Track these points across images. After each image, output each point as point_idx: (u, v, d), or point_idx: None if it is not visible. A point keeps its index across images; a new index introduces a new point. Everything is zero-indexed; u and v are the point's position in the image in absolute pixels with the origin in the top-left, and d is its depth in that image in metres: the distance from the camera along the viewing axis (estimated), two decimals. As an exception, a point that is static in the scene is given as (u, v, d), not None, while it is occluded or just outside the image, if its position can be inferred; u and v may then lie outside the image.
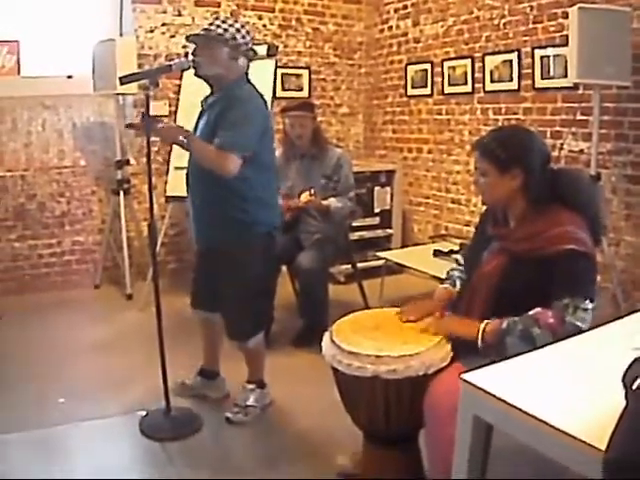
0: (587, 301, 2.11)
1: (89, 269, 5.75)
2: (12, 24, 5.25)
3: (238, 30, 3.02)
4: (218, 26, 3.00)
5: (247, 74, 3.16)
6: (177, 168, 4.75)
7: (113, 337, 4.49)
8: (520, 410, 1.51)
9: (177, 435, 3.13)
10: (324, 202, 4.30)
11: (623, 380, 1.29)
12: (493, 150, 2.30)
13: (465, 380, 1.67)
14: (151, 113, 3.02)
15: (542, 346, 1.92)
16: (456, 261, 2.81)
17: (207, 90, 3.18)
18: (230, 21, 3.05)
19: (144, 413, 3.30)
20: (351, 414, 2.47)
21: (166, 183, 5.22)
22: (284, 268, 4.58)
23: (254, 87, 3.15)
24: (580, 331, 2.05)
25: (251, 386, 3.36)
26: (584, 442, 1.35)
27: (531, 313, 2.12)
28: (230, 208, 3.05)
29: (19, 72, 5.30)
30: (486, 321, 2.20)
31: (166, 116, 5.41)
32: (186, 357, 3.65)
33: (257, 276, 3.15)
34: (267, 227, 3.18)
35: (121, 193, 5.35)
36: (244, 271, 3.11)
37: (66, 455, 3.01)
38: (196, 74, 3.09)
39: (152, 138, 3.09)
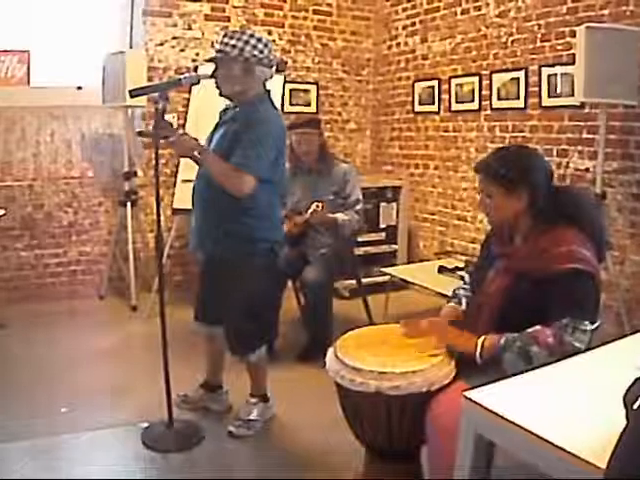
0: (587, 322, 2.11)
1: (95, 280, 5.76)
2: (23, 34, 5.29)
3: (247, 42, 3.00)
4: (226, 44, 2.99)
5: (269, 91, 3.16)
6: (184, 181, 4.77)
7: (117, 348, 4.50)
8: (522, 428, 1.51)
9: (179, 447, 3.13)
10: (331, 215, 4.30)
11: (624, 399, 1.29)
12: (498, 171, 2.31)
13: (467, 398, 1.68)
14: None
15: (543, 365, 1.92)
16: (462, 279, 2.82)
17: (216, 104, 3.19)
18: (237, 35, 3.02)
19: (146, 425, 3.30)
20: (353, 429, 2.47)
21: (173, 195, 5.23)
22: (290, 282, 4.59)
23: (272, 103, 3.16)
24: (577, 351, 2.05)
25: (254, 400, 3.36)
26: (585, 460, 1.35)
27: (530, 331, 2.13)
28: (233, 222, 3.06)
29: (29, 82, 5.34)
30: (484, 336, 2.21)
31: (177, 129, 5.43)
32: (189, 369, 3.65)
33: (258, 291, 3.15)
34: (270, 243, 3.17)
35: (128, 204, 5.37)
36: (245, 286, 3.11)
37: (67, 465, 3.00)
38: (220, 94, 3.10)
39: (161, 150, 3.10)
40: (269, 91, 3.17)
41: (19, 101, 5.25)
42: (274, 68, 3.17)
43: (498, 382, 1.79)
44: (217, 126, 3.23)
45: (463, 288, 2.70)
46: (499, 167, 2.31)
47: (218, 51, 3.02)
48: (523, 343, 2.11)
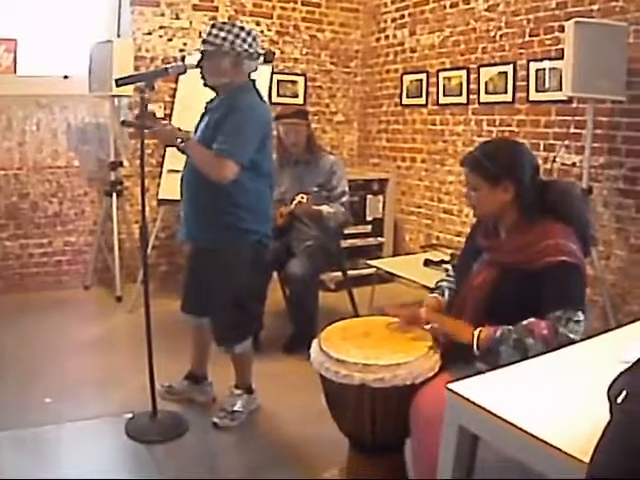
0: (579, 312, 2.12)
1: (80, 270, 5.73)
2: (10, 22, 5.25)
3: (237, 35, 3.01)
4: (216, 36, 2.98)
5: (253, 80, 3.16)
6: (170, 171, 4.76)
7: (102, 338, 4.49)
8: (505, 421, 1.51)
9: (163, 438, 3.12)
10: (316, 207, 4.29)
11: (608, 394, 1.29)
12: (483, 164, 2.31)
13: (451, 390, 1.68)
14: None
15: (530, 357, 1.93)
16: (446, 271, 2.82)
17: (203, 94, 3.18)
18: (227, 27, 3.02)
19: (130, 415, 3.29)
20: (337, 421, 2.47)
21: (159, 186, 5.21)
22: (275, 274, 4.58)
23: (258, 93, 3.16)
24: (572, 342, 2.06)
25: (238, 391, 3.36)
26: (569, 454, 1.35)
27: (525, 323, 2.13)
28: (222, 213, 3.06)
29: (15, 70, 5.29)
30: (480, 328, 2.21)
31: (162, 119, 5.41)
32: (174, 360, 3.64)
33: (245, 283, 3.15)
34: (258, 235, 3.17)
35: (114, 195, 5.35)
36: (232, 277, 3.11)
37: (51, 455, 3.00)
38: (205, 84, 3.09)
39: (147, 140, 3.09)
40: (254, 81, 3.18)
41: (5, 90, 5.20)
42: (260, 60, 3.17)
43: (482, 374, 1.80)
44: (202, 116, 3.23)
45: (447, 280, 2.70)
46: (484, 160, 2.31)
47: (206, 42, 3.01)
48: (519, 335, 2.11)
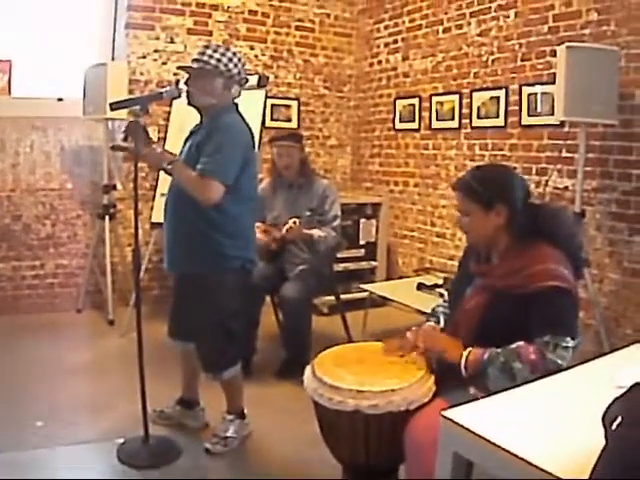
0: (568, 338, 2.12)
1: (72, 293, 5.71)
2: (5, 43, 5.27)
3: (230, 59, 3.04)
4: (210, 56, 3.01)
5: (236, 104, 3.18)
6: (163, 195, 4.74)
7: (94, 362, 4.46)
8: (500, 447, 1.50)
9: (154, 463, 3.09)
10: (307, 231, 4.29)
11: (603, 420, 1.29)
12: (475, 189, 2.31)
13: (446, 417, 1.67)
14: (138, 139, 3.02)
15: (523, 383, 1.92)
16: (441, 296, 2.82)
17: (196, 117, 3.19)
18: (222, 49, 3.05)
19: (122, 440, 3.26)
20: (331, 447, 2.45)
21: (152, 209, 5.21)
22: (268, 298, 4.57)
23: (241, 116, 3.16)
24: (559, 369, 2.05)
25: (230, 417, 3.33)
26: (564, 481, 1.35)
27: (513, 347, 2.13)
28: (205, 239, 3.05)
29: (10, 92, 5.31)
30: (469, 349, 2.21)
31: (155, 142, 5.41)
32: (166, 385, 3.61)
33: (230, 309, 3.14)
34: (241, 261, 3.16)
35: (107, 218, 5.34)
36: (216, 303, 3.10)
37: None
38: (189, 103, 3.10)
39: (140, 164, 3.09)
40: (237, 104, 3.19)
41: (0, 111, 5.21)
42: (247, 85, 3.22)
43: (477, 401, 1.79)
44: (186, 141, 3.24)
45: (442, 306, 2.69)
46: (476, 185, 2.32)
47: (199, 61, 3.02)
48: (506, 358, 2.11)
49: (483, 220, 2.31)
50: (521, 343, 2.13)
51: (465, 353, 2.21)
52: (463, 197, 2.36)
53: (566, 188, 4.60)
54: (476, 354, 2.18)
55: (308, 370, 2.41)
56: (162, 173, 4.28)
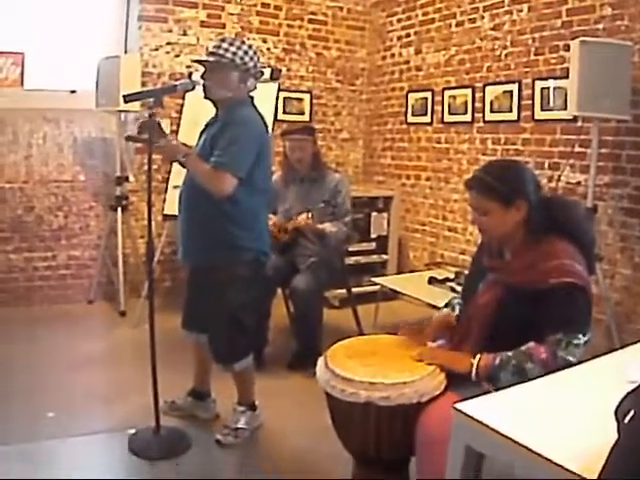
0: (580, 335, 2.11)
1: (84, 284, 5.74)
2: (18, 36, 5.29)
3: (246, 52, 3.05)
4: (227, 50, 3.02)
5: (252, 97, 3.18)
6: (175, 187, 4.76)
7: (105, 353, 4.48)
8: (512, 440, 1.51)
9: (166, 454, 3.11)
10: (319, 226, 4.30)
11: (615, 413, 1.29)
12: (494, 186, 2.27)
13: (458, 410, 1.67)
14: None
15: (535, 378, 1.92)
16: (452, 290, 2.82)
17: (210, 110, 3.20)
18: (237, 43, 3.07)
19: (133, 431, 3.28)
20: (342, 439, 2.46)
21: (164, 201, 5.22)
22: (279, 290, 4.58)
23: (257, 109, 3.17)
24: (570, 365, 2.05)
25: (242, 408, 3.34)
26: (576, 474, 1.35)
27: (524, 348, 2.13)
28: (219, 231, 3.06)
29: (22, 84, 5.32)
30: (479, 356, 2.21)
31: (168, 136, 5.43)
32: (177, 376, 3.63)
33: (242, 301, 3.15)
34: (255, 253, 3.18)
35: (119, 209, 5.37)
36: (229, 295, 3.11)
37: (54, 470, 2.98)
38: (205, 97, 3.11)
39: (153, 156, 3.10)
40: (252, 97, 3.20)
41: (12, 103, 5.23)
42: (263, 78, 3.23)
43: (489, 394, 1.79)
44: (201, 134, 3.25)
45: (458, 297, 2.70)
46: (494, 182, 2.27)
47: (215, 54, 3.03)
48: (518, 361, 2.11)
49: (503, 217, 2.28)
50: (531, 344, 2.13)
51: (475, 361, 2.20)
52: (479, 195, 2.31)
53: (578, 183, 4.58)
54: (487, 360, 2.18)
55: (320, 362, 2.42)
56: (175, 165, 4.32)
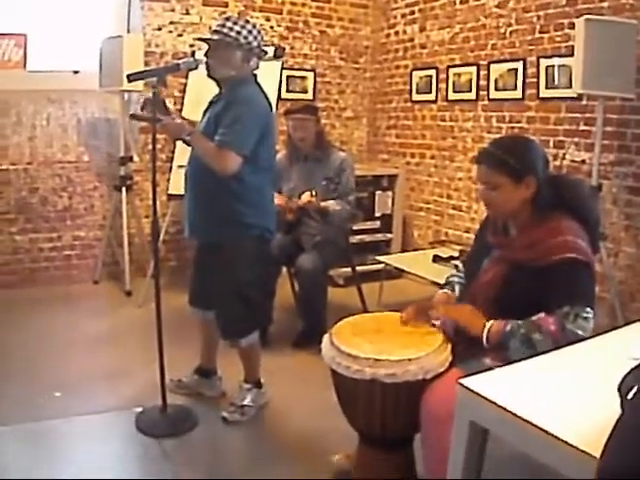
0: (588, 309, 2.12)
1: (89, 264, 5.76)
2: (20, 17, 5.26)
3: (250, 32, 3.05)
4: (231, 28, 3.01)
5: (256, 75, 3.18)
6: (180, 166, 4.76)
7: (111, 333, 4.50)
8: (516, 416, 1.52)
9: (172, 432, 3.14)
10: (323, 204, 4.31)
11: (619, 389, 1.30)
12: (506, 161, 2.25)
13: (463, 385, 1.69)
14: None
15: (540, 353, 1.93)
16: (456, 267, 2.82)
17: (213, 89, 3.20)
18: (242, 22, 3.06)
19: (140, 409, 3.31)
20: (348, 416, 2.48)
21: (168, 181, 5.23)
22: (284, 269, 4.60)
23: (260, 88, 3.17)
24: (580, 338, 2.06)
25: (248, 386, 3.37)
26: (579, 449, 1.36)
27: (534, 318, 2.14)
28: (224, 208, 3.08)
29: (25, 66, 5.31)
30: (491, 321, 2.21)
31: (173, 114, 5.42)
32: (183, 355, 3.65)
33: (249, 277, 3.17)
34: (260, 230, 3.19)
35: (123, 189, 5.37)
36: (236, 271, 3.13)
37: (60, 450, 3.03)
38: (208, 75, 3.11)
39: (157, 135, 3.11)
40: (256, 75, 3.19)
41: (15, 85, 5.22)
42: (267, 57, 3.24)
43: (493, 370, 1.80)
44: (205, 113, 3.25)
45: (457, 275, 2.70)
46: (506, 157, 2.26)
47: (219, 33, 3.03)
48: (527, 330, 2.12)
49: (512, 192, 2.27)
50: (541, 315, 2.13)
51: (487, 325, 2.21)
52: (490, 170, 2.30)
53: (583, 161, 4.57)
54: (498, 326, 2.19)
55: (326, 339, 2.43)
56: (179, 145, 4.32)
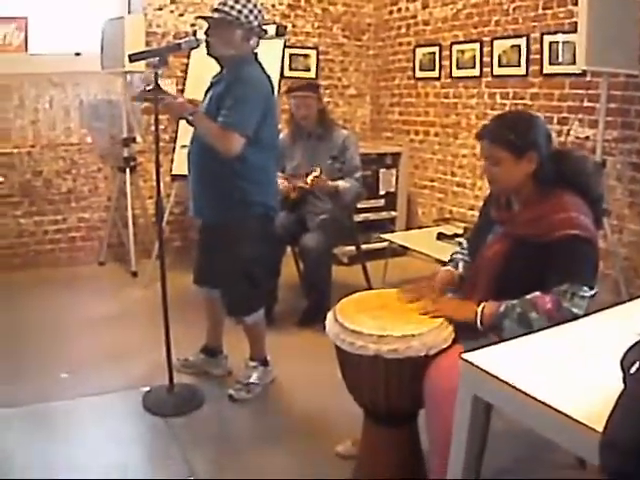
0: (585, 287, 2.12)
1: (94, 246, 5.78)
2: (21, 0, 5.24)
3: (251, 11, 3.03)
4: (232, 7, 3.00)
5: (256, 53, 3.17)
6: (183, 147, 4.76)
7: (117, 313, 4.53)
8: (519, 391, 1.53)
9: (180, 411, 3.17)
10: (332, 183, 4.30)
11: (621, 364, 1.31)
12: (507, 136, 2.26)
13: (465, 360, 1.69)
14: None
15: (541, 329, 1.94)
16: (459, 244, 2.82)
17: (215, 69, 3.20)
18: (243, 1, 3.03)
19: (147, 389, 3.34)
20: (352, 392, 2.49)
21: (172, 161, 5.23)
22: (289, 248, 4.61)
23: (261, 66, 3.17)
24: (575, 317, 2.06)
25: (253, 364, 3.39)
26: (582, 423, 1.37)
27: (529, 297, 2.14)
28: (228, 187, 3.09)
29: (27, 49, 5.29)
30: (483, 303, 2.23)
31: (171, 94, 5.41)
32: (189, 334, 3.67)
33: (254, 255, 3.18)
34: (264, 208, 3.21)
35: (127, 171, 5.37)
36: (240, 249, 3.14)
37: (69, 430, 3.05)
38: (208, 53, 3.10)
39: (160, 116, 3.11)
40: (256, 54, 3.19)
41: (17, 68, 5.21)
42: (267, 35, 3.23)
43: (496, 345, 1.81)
44: (207, 91, 3.25)
45: (460, 252, 2.70)
46: (508, 132, 2.26)
47: (220, 11, 3.02)
48: (522, 309, 2.12)
49: (514, 168, 2.28)
50: (537, 293, 2.14)
51: (479, 308, 2.22)
52: (492, 145, 2.30)
53: (587, 138, 4.56)
54: (491, 307, 2.20)
55: (330, 315, 2.44)
56: (182, 125, 4.31)
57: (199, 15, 3.26)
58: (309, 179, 4.21)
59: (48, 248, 5.62)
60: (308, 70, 6.45)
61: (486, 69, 5.44)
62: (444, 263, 2.77)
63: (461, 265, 2.63)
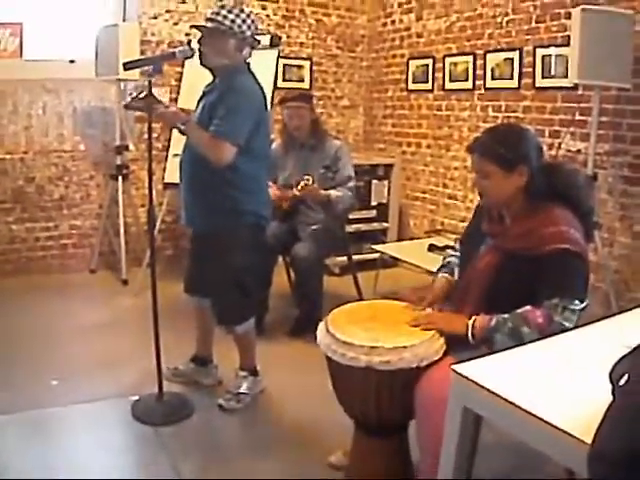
0: (576, 301, 2.13)
1: (85, 253, 5.76)
2: (16, 6, 5.23)
3: (244, 21, 3.04)
4: (225, 17, 3.01)
5: (249, 63, 3.18)
6: (175, 155, 4.76)
7: (108, 321, 4.51)
8: (509, 402, 1.53)
9: (169, 420, 3.15)
10: (324, 192, 4.30)
11: (610, 376, 1.31)
12: (496, 150, 2.27)
13: (456, 371, 1.70)
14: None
15: (532, 341, 1.94)
16: (452, 248, 2.82)
17: (209, 77, 3.20)
18: (236, 11, 3.06)
19: (137, 397, 3.32)
20: (343, 403, 2.49)
21: (164, 170, 5.23)
22: (280, 258, 4.61)
23: (254, 76, 3.18)
24: (565, 330, 2.07)
25: (243, 373, 3.38)
26: (571, 435, 1.37)
27: (520, 311, 2.15)
28: (219, 196, 3.09)
29: (21, 55, 5.28)
30: (474, 317, 2.23)
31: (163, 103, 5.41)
32: (179, 343, 3.67)
33: (244, 264, 3.18)
34: (255, 217, 3.21)
35: (119, 178, 5.36)
36: (231, 259, 3.14)
37: (58, 437, 3.04)
38: (201, 63, 3.11)
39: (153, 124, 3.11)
40: (249, 64, 3.20)
41: (11, 74, 5.20)
42: (260, 46, 3.25)
43: (487, 357, 1.81)
44: (199, 100, 3.25)
45: (454, 256, 2.70)
46: (498, 146, 2.27)
47: (213, 21, 3.03)
48: (514, 324, 2.13)
49: (504, 181, 2.28)
50: (528, 307, 2.14)
51: (470, 322, 2.23)
52: (482, 159, 2.31)
53: (579, 151, 4.58)
54: (482, 321, 2.20)
55: (321, 326, 2.44)
56: (175, 134, 4.31)
57: (193, 24, 3.26)
58: (299, 186, 4.22)
59: (39, 255, 5.60)
60: (302, 81, 6.47)
61: (479, 82, 5.47)
62: (438, 268, 2.76)
63: (456, 271, 2.63)
